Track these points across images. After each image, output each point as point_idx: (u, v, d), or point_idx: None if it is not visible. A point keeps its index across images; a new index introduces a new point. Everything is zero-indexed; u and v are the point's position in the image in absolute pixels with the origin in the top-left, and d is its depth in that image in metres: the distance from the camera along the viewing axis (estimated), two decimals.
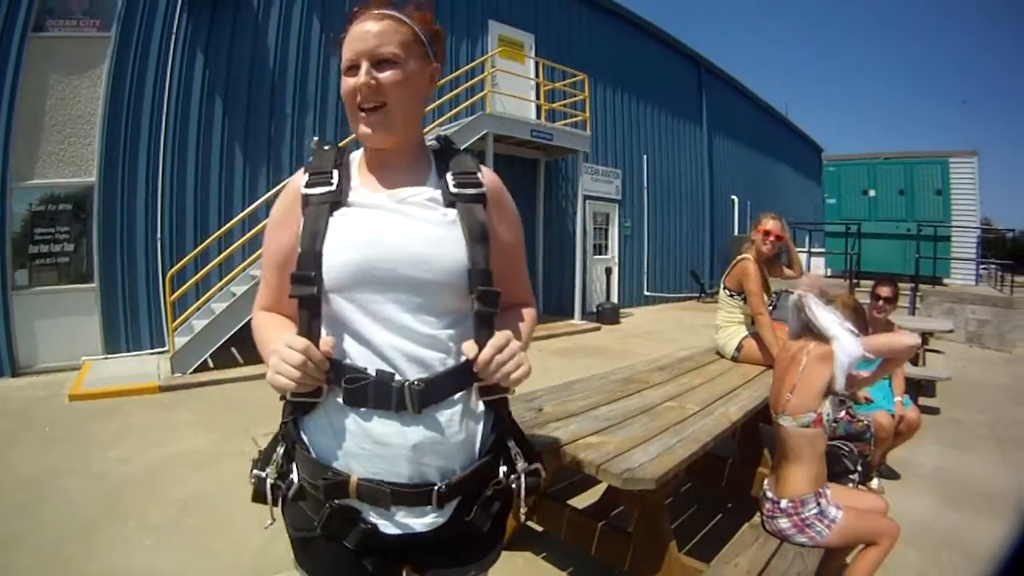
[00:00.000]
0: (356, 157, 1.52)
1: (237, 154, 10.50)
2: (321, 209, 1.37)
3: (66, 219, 9.23)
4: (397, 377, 1.29)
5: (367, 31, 1.36)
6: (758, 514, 3.21)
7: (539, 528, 3.75)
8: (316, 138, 1.71)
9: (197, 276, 8.95)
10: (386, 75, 1.35)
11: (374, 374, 1.29)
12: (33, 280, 9.00)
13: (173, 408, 6.99)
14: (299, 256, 1.34)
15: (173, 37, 9.76)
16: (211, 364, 8.47)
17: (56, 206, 9.17)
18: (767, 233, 4.78)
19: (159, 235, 9.72)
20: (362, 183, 1.45)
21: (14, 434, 6.03)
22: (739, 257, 4.91)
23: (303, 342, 1.23)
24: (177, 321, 8.72)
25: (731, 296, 4.95)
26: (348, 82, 1.37)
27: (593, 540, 3.21)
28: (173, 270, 8.90)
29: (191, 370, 8.28)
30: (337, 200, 1.39)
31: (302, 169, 1.48)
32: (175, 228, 9.91)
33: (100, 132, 9.25)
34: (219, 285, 9.24)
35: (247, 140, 10.58)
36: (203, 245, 9.38)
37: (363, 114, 1.37)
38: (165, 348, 9.21)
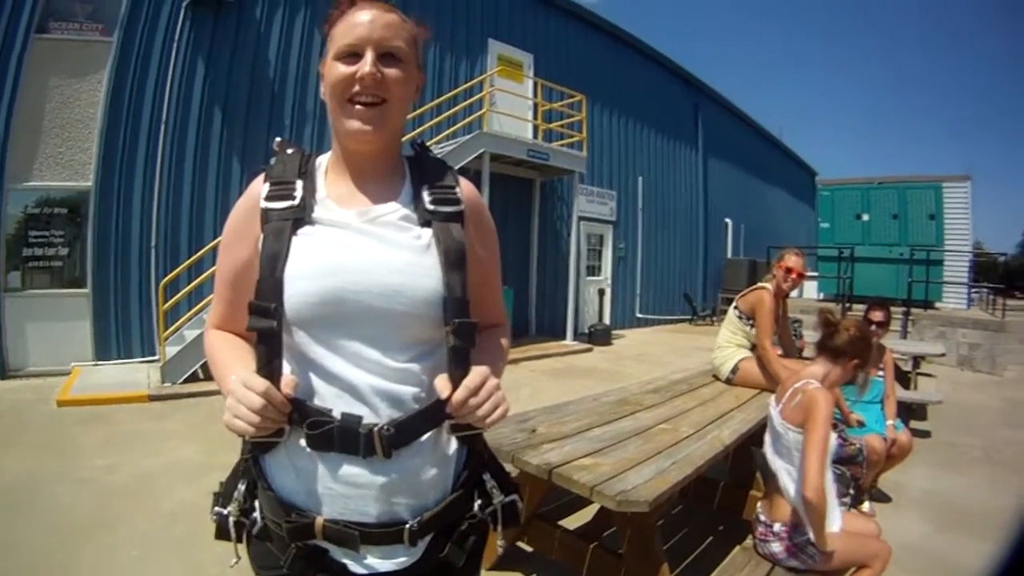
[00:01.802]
0: (323, 163, 1.41)
1: (235, 164, 10.48)
2: (282, 227, 1.25)
3: (61, 223, 9.22)
4: (365, 420, 1.19)
5: (374, 19, 1.25)
6: (750, 537, 3.21)
7: (529, 549, 3.72)
8: (280, 138, 1.54)
9: (190, 286, 8.94)
10: (392, 71, 1.26)
11: (339, 416, 1.19)
12: (26, 283, 8.99)
13: (162, 418, 6.95)
14: (258, 283, 1.23)
15: (175, 45, 9.78)
16: (201, 375, 8.37)
17: (52, 209, 9.17)
18: (789, 271, 4.81)
19: (153, 243, 9.70)
20: (329, 195, 1.33)
21: (0, 437, 5.99)
22: (759, 285, 4.98)
23: (262, 383, 1.12)
24: (169, 331, 8.68)
25: (740, 318, 5.00)
26: (343, 70, 1.25)
27: (584, 561, 3.19)
28: (166, 279, 8.86)
29: (181, 380, 8.23)
30: (300, 216, 1.27)
31: (262, 175, 1.35)
32: (170, 237, 9.89)
33: (98, 137, 9.26)
34: (212, 296, 9.13)
35: (245, 151, 10.56)
36: (197, 255, 9.34)
37: (359, 107, 1.25)
38: (156, 357, 9.20)
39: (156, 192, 9.68)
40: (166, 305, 8.58)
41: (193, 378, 8.32)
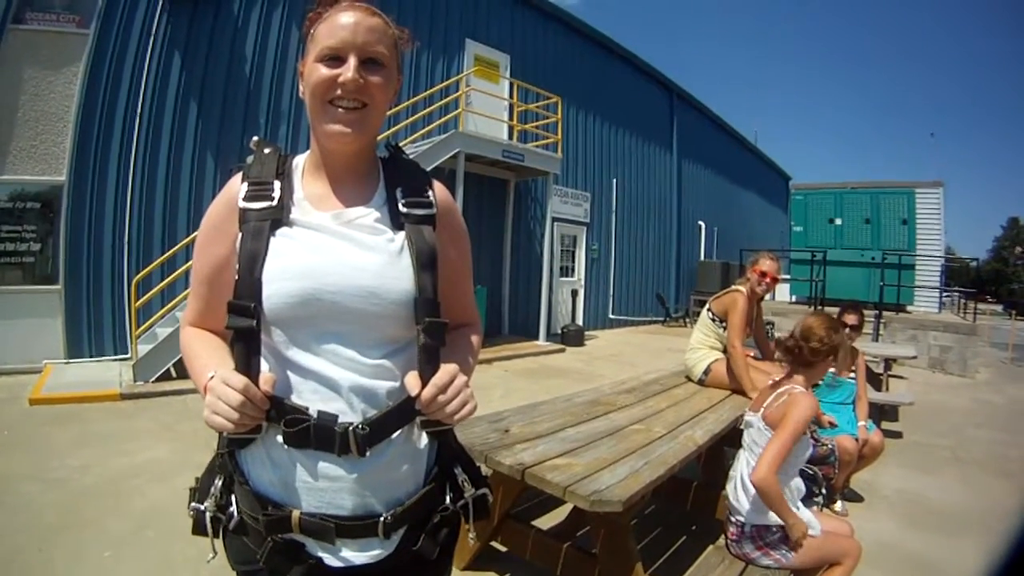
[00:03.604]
0: (300, 164, 1.42)
1: (208, 161, 10.39)
2: (261, 227, 1.27)
3: (33, 218, 9.06)
4: (340, 419, 1.22)
5: (357, 23, 1.26)
6: (723, 536, 3.24)
7: (503, 548, 3.72)
8: (256, 137, 1.52)
9: (163, 283, 8.82)
10: (374, 77, 1.27)
11: (315, 415, 1.22)
12: None
13: (134, 417, 6.87)
14: (237, 283, 1.25)
15: (151, 38, 9.66)
16: (174, 373, 8.28)
17: (24, 204, 9.00)
18: (763, 275, 4.84)
19: (126, 239, 9.59)
20: (306, 196, 1.35)
21: None
22: (733, 288, 5.01)
23: (242, 380, 1.15)
24: (141, 328, 8.59)
25: (713, 320, 5.04)
26: (325, 72, 1.26)
27: (558, 561, 3.20)
28: (139, 276, 8.78)
29: (153, 379, 8.13)
30: (278, 217, 1.29)
31: (239, 174, 1.37)
32: (143, 233, 9.78)
33: (72, 131, 9.12)
34: (185, 293, 9.03)
35: (219, 147, 10.47)
36: (171, 252, 9.26)
37: (340, 110, 1.27)
38: (128, 355, 9.10)
39: (129, 188, 9.57)
40: (138, 302, 8.49)
41: (165, 376, 8.22)
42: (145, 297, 8.61)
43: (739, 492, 3.09)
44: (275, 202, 1.30)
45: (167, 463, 5.42)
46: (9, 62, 8.73)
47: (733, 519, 3.09)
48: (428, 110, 12.50)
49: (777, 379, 3.24)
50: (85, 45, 9.18)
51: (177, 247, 9.29)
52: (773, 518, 2.92)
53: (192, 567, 3.58)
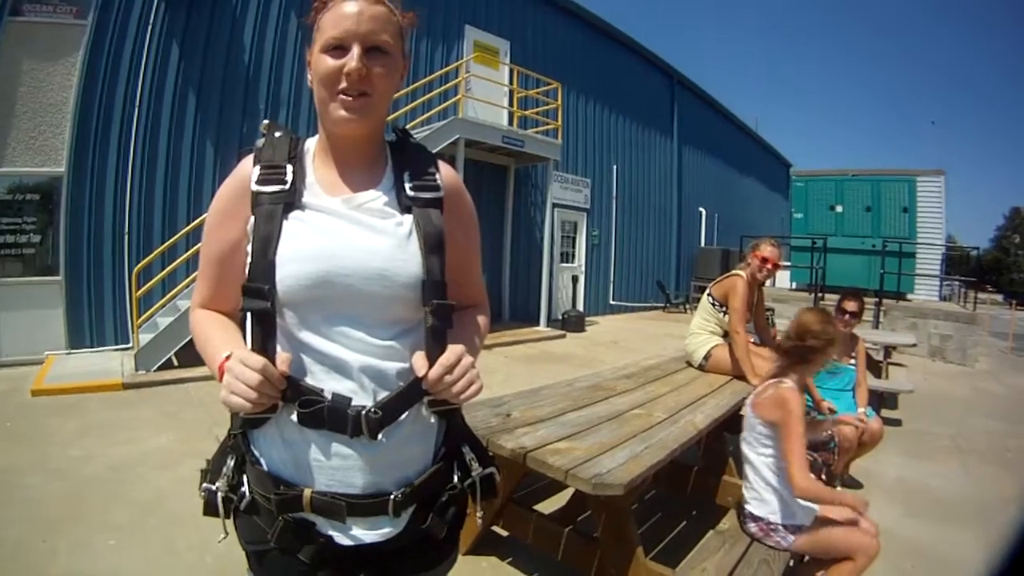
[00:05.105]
0: (311, 148, 1.44)
1: (208, 150, 10.37)
2: (274, 210, 1.29)
3: (33, 209, 9.04)
4: (354, 402, 1.25)
5: (361, 12, 1.27)
6: (723, 520, 3.26)
7: (505, 533, 3.74)
8: (267, 120, 1.53)
9: (164, 272, 8.85)
10: (378, 68, 1.29)
11: (329, 397, 1.24)
12: None
13: (136, 406, 6.89)
14: (250, 265, 1.28)
15: (149, 28, 9.62)
16: (175, 362, 8.32)
17: (24, 196, 8.97)
18: (765, 260, 4.84)
19: (126, 229, 9.58)
20: (317, 181, 1.37)
21: None
22: (733, 272, 5.01)
23: (259, 360, 1.17)
24: (142, 317, 8.60)
25: (713, 305, 5.04)
26: (331, 63, 1.27)
27: (559, 545, 3.22)
28: (140, 265, 8.78)
29: (155, 368, 8.15)
30: (291, 201, 1.31)
31: (250, 156, 1.39)
32: (143, 223, 9.76)
33: (71, 122, 9.09)
34: (185, 282, 9.08)
35: (219, 136, 10.45)
36: (171, 241, 9.26)
37: (347, 98, 1.28)
38: (129, 344, 9.12)
39: (129, 178, 9.55)
40: (140, 292, 8.50)
41: (167, 365, 8.25)
42: (146, 287, 8.62)
43: (761, 492, 3.11)
44: (288, 186, 1.32)
45: (170, 451, 5.43)
46: (7, 54, 8.69)
47: (755, 517, 3.11)
48: (428, 96, 12.49)
49: (774, 376, 3.22)
50: (83, 36, 9.14)
51: (177, 236, 9.28)
52: (802, 517, 2.94)
53: (196, 553, 3.59)
